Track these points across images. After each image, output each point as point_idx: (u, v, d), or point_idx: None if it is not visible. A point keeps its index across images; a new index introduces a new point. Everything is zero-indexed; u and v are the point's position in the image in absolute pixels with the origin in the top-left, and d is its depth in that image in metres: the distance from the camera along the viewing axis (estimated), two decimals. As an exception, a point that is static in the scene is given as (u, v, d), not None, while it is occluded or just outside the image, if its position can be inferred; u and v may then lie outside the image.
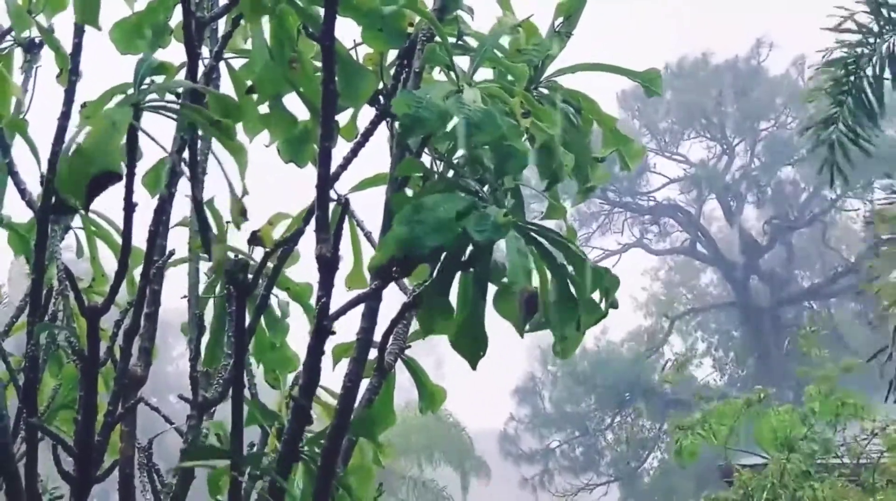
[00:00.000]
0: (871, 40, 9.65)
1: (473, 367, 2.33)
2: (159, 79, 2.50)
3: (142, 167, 2.62)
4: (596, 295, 2.38)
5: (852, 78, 9.68)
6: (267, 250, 2.74)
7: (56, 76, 3.01)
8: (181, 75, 2.65)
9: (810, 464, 10.41)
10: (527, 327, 2.26)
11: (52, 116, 2.95)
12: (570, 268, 2.34)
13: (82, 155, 2.19)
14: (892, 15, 9.64)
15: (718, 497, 10.99)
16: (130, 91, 2.37)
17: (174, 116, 2.44)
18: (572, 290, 2.33)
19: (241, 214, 2.69)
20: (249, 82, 2.78)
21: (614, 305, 2.40)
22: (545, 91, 2.70)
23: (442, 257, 2.28)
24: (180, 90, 2.57)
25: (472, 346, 2.32)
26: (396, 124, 2.65)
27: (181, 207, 2.94)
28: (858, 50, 9.72)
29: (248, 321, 2.69)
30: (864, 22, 9.73)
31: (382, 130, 2.74)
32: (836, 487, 9.98)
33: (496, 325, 2.40)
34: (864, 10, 9.66)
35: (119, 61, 2.57)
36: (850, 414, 11.13)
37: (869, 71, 9.71)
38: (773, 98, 41.23)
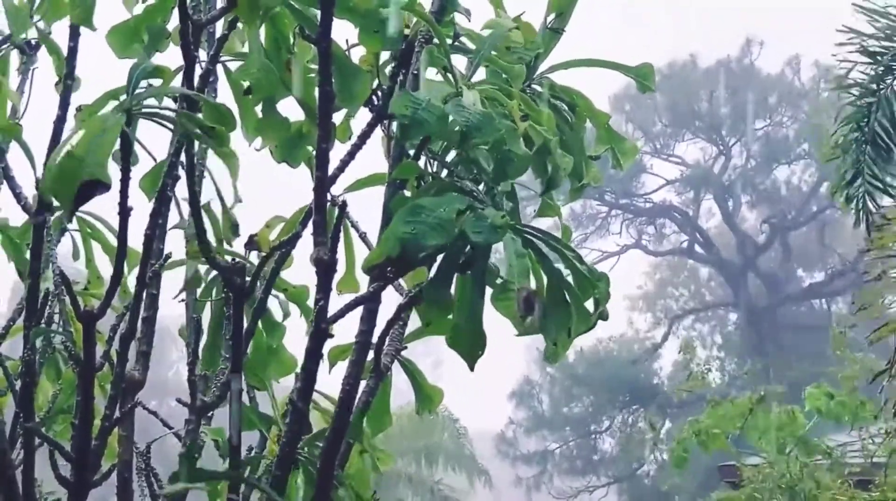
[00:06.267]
0: (874, 86, 9.66)
1: (472, 368, 2.29)
2: (157, 82, 2.49)
3: (140, 170, 2.62)
4: (589, 303, 2.34)
5: (865, 129, 9.67)
6: (263, 253, 2.74)
7: (55, 83, 3.00)
8: (179, 79, 2.64)
9: (812, 463, 10.39)
10: (526, 323, 2.25)
11: (48, 118, 2.95)
12: (565, 273, 2.33)
13: (73, 159, 2.17)
14: (888, 60, 9.63)
15: (731, 497, 10.92)
16: (125, 96, 2.35)
17: (167, 124, 2.42)
18: (566, 296, 2.31)
19: (231, 230, 2.68)
20: (246, 84, 2.78)
21: (604, 316, 2.35)
22: (538, 88, 2.69)
23: (440, 259, 2.27)
24: (177, 94, 2.55)
25: (470, 345, 2.29)
26: (394, 126, 2.64)
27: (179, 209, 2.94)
28: (864, 101, 9.72)
29: (245, 324, 2.68)
30: (864, 72, 9.74)
31: (375, 131, 2.73)
32: (843, 487, 9.94)
33: (494, 327, 2.39)
34: (865, 62, 9.66)
35: (121, 65, 2.56)
36: (866, 416, 11.11)
37: (881, 116, 9.70)
38: (768, 97, 41.20)
